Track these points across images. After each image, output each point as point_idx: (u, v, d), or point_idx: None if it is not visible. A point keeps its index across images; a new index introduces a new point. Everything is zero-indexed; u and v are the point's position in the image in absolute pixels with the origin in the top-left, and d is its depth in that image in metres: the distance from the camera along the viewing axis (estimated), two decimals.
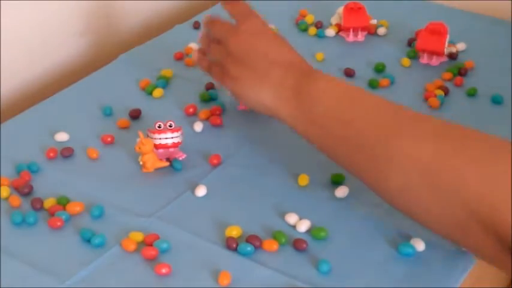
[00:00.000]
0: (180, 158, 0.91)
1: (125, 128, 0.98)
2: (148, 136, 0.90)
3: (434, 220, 0.74)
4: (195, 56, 0.98)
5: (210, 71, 0.95)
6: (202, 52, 0.97)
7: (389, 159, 0.74)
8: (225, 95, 1.01)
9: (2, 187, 0.86)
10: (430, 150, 0.72)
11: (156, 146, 0.90)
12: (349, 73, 1.09)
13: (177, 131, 0.91)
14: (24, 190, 0.86)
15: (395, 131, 0.76)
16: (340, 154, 0.81)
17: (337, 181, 0.88)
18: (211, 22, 0.94)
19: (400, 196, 0.75)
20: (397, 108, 0.79)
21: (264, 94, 0.86)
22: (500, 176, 0.68)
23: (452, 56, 1.13)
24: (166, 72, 1.09)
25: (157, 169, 0.90)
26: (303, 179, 0.88)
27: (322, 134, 0.82)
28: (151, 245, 0.79)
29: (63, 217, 0.82)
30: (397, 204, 0.77)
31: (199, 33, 0.98)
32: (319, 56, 1.13)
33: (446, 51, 1.12)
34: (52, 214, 0.83)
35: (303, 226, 0.82)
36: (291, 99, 0.84)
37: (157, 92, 1.05)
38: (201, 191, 0.87)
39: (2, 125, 0.99)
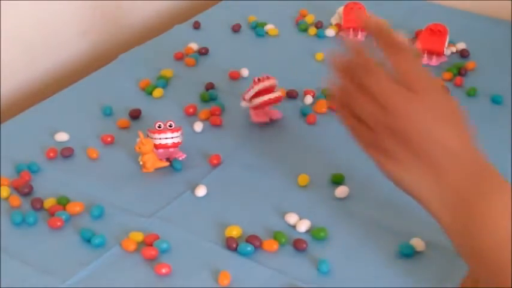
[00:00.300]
0: (180, 158, 0.91)
1: (125, 128, 0.98)
2: (148, 136, 0.90)
3: None
4: (329, 88, 0.75)
5: (352, 126, 0.72)
6: (340, 96, 0.73)
7: None
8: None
9: (2, 187, 0.86)
10: None
11: (156, 146, 0.90)
12: None
13: (177, 131, 0.91)
14: (24, 190, 0.86)
15: None
16: None
17: (337, 181, 0.88)
18: (367, 70, 0.70)
19: None
20: None
21: (422, 184, 0.68)
22: None
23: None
24: (166, 72, 1.09)
25: (157, 169, 0.90)
26: (303, 179, 0.88)
27: (486, 268, 0.64)
28: (151, 245, 0.79)
29: (63, 217, 0.82)
30: None
31: (333, 56, 0.74)
32: (319, 56, 1.13)
33: (447, 51, 1.12)
34: (52, 214, 0.83)
35: (303, 226, 0.82)
36: (456, 207, 0.66)
37: (157, 92, 1.05)
38: (201, 191, 0.87)
39: (2, 125, 0.99)
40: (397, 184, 0.70)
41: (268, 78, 0.96)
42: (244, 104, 0.97)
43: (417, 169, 0.68)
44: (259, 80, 0.96)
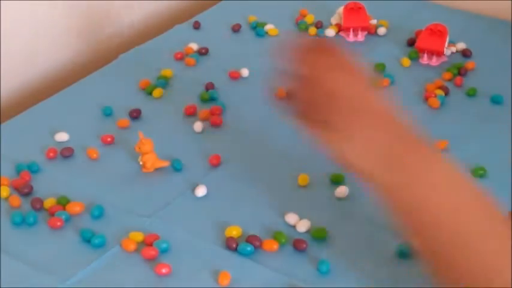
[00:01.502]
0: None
1: (125, 128, 0.98)
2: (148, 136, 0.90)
3: None
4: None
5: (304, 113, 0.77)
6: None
7: None
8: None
9: (2, 187, 0.86)
10: None
11: None
12: None
13: None
14: (24, 190, 0.86)
15: None
16: None
17: (337, 181, 0.88)
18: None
19: None
20: None
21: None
22: None
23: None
24: (166, 72, 1.09)
25: (157, 169, 0.90)
26: (303, 179, 0.88)
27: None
28: (151, 245, 0.79)
29: (63, 217, 0.82)
30: None
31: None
32: None
33: (447, 51, 1.12)
34: (52, 214, 0.83)
35: (303, 226, 0.82)
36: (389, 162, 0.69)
37: (157, 92, 1.05)
38: (201, 191, 0.87)
39: (2, 125, 0.99)
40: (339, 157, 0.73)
41: None
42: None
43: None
44: None
